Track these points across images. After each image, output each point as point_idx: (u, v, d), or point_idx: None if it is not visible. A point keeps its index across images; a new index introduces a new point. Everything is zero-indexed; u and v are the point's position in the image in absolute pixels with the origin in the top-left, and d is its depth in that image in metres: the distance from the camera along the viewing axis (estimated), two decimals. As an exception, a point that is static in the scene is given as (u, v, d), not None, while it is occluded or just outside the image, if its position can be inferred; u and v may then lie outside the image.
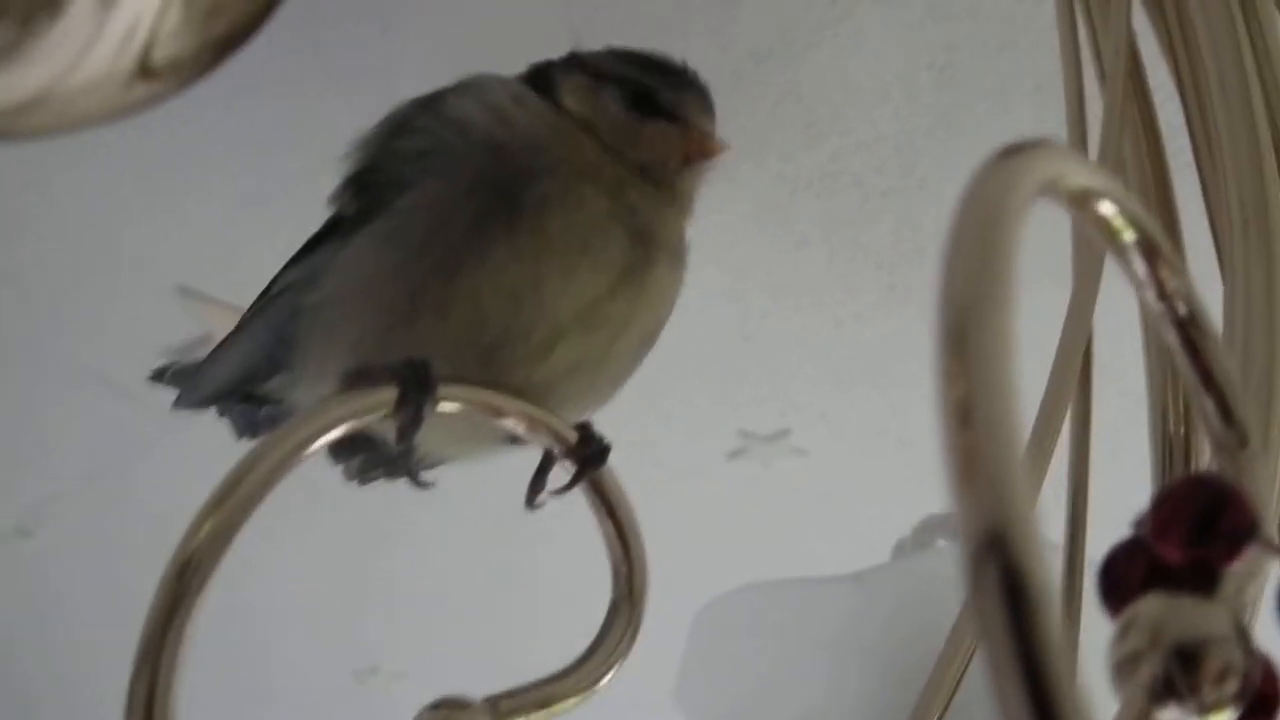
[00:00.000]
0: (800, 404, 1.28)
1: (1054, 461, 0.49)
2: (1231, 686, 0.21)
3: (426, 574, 1.57)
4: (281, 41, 0.96)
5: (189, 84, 0.29)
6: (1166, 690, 0.21)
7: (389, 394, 0.43)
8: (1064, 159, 0.22)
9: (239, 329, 0.56)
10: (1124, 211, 0.24)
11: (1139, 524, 0.23)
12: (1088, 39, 0.58)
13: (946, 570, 0.80)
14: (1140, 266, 0.24)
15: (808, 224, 1.08)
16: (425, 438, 0.46)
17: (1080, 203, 0.23)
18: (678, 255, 0.55)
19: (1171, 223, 0.53)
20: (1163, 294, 0.24)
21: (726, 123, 1.02)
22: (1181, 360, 0.25)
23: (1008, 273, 0.19)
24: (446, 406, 0.45)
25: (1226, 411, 0.24)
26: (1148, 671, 0.21)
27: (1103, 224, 0.24)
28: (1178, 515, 0.23)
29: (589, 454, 0.48)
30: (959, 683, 0.43)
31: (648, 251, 0.52)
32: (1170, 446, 0.48)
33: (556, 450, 0.48)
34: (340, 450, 0.52)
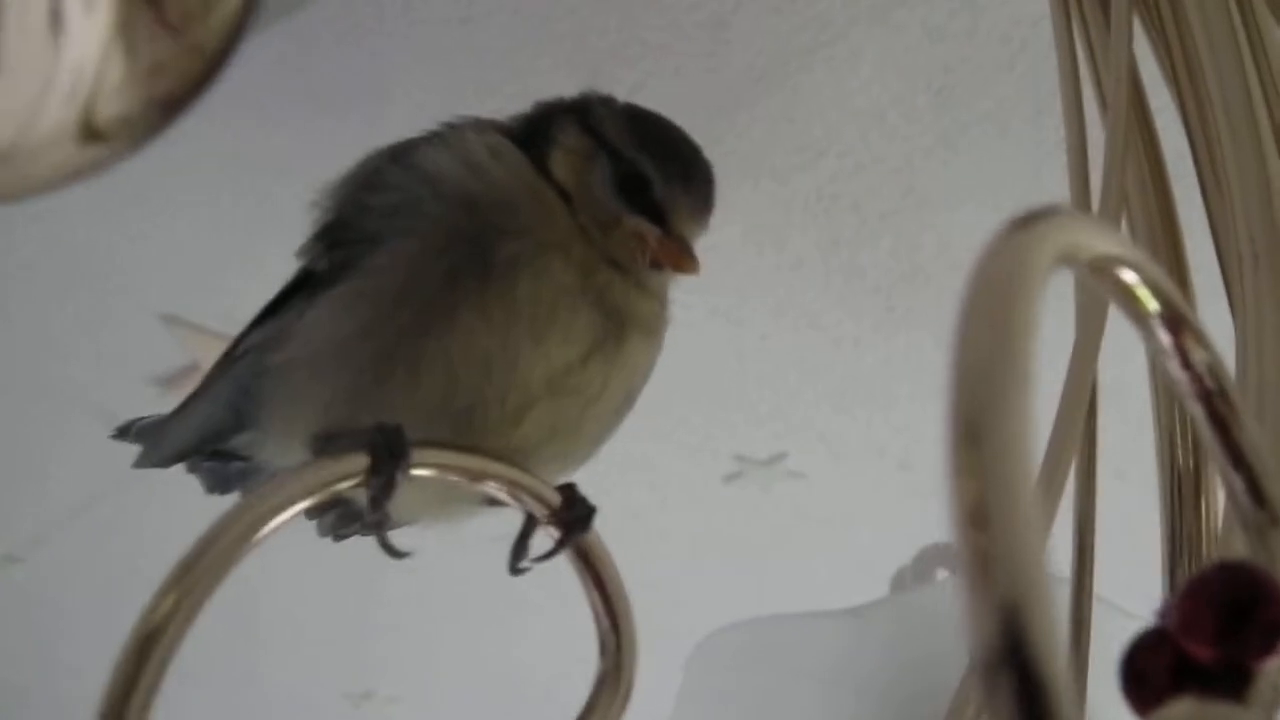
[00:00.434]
0: (798, 426, 1.27)
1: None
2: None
3: (423, 600, 1.56)
4: (269, 66, 0.95)
5: (141, 143, 0.28)
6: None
7: (360, 461, 0.41)
8: (1080, 227, 0.21)
9: (203, 388, 0.54)
10: (1147, 280, 0.22)
11: (1163, 614, 0.22)
12: (1087, 63, 0.56)
13: (943, 605, 0.79)
14: (1164, 337, 0.23)
15: (805, 246, 1.07)
16: (401, 502, 0.45)
17: (1101, 272, 0.21)
18: (652, 329, 0.52)
19: (1178, 255, 0.52)
20: (1187, 365, 0.23)
21: (723, 144, 1.01)
22: (1209, 436, 0.23)
23: (1025, 358, 0.18)
24: (421, 472, 0.43)
25: (1256, 490, 0.23)
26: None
27: (1125, 292, 0.22)
28: (1206, 609, 0.21)
29: (573, 518, 0.46)
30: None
31: (619, 328, 0.49)
32: (1179, 479, 0.46)
33: (539, 514, 0.46)
34: (312, 509, 0.51)
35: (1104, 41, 0.55)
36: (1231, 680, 0.21)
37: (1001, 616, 0.17)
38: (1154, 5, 0.54)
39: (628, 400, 0.51)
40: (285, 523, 0.37)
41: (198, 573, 0.35)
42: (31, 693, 1.78)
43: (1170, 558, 0.44)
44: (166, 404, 1.23)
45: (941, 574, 0.88)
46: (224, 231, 1.07)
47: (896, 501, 1.32)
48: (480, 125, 0.52)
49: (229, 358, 0.53)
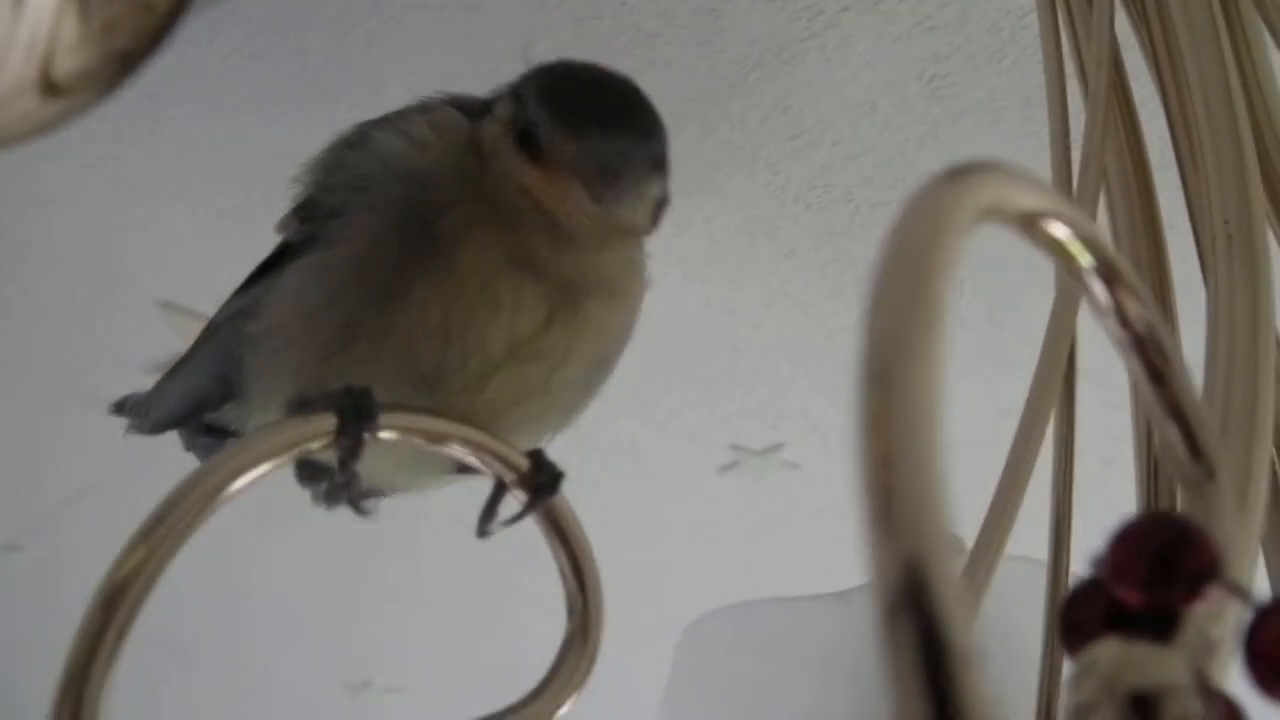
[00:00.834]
0: (792, 417, 1.27)
1: (1040, 476, 0.48)
2: (1188, 735, 0.20)
3: (421, 587, 1.56)
4: (265, 54, 0.95)
5: (101, 97, 0.29)
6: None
7: (329, 422, 0.42)
8: (1008, 180, 0.21)
9: (187, 357, 0.55)
10: (1079, 234, 0.22)
11: (1098, 563, 0.22)
12: (1071, 50, 0.57)
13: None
14: (1100, 291, 0.23)
15: (798, 235, 1.08)
16: (371, 466, 0.45)
17: (1030, 226, 0.22)
18: (614, 289, 0.50)
19: (1156, 237, 0.52)
20: (1124, 320, 0.23)
21: (717, 133, 1.02)
22: (1145, 389, 0.24)
23: (937, 307, 0.18)
24: (388, 435, 0.43)
25: (1193, 444, 0.23)
26: (1103, 720, 0.20)
27: (1056, 247, 0.22)
28: (1134, 556, 0.22)
29: (541, 482, 0.47)
30: None
31: (569, 294, 0.48)
32: (1155, 465, 0.47)
33: (508, 478, 0.46)
34: (304, 475, 0.51)
35: (1088, 26, 0.55)
36: (1159, 624, 0.21)
37: (904, 560, 0.17)
38: (1137, -8, 0.54)
39: (600, 365, 0.51)
40: (254, 481, 0.38)
41: (164, 529, 0.35)
42: (26, 682, 1.79)
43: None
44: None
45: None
46: (220, 219, 1.08)
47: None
48: (429, 104, 0.52)
49: (210, 327, 0.54)
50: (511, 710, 0.42)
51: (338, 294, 0.48)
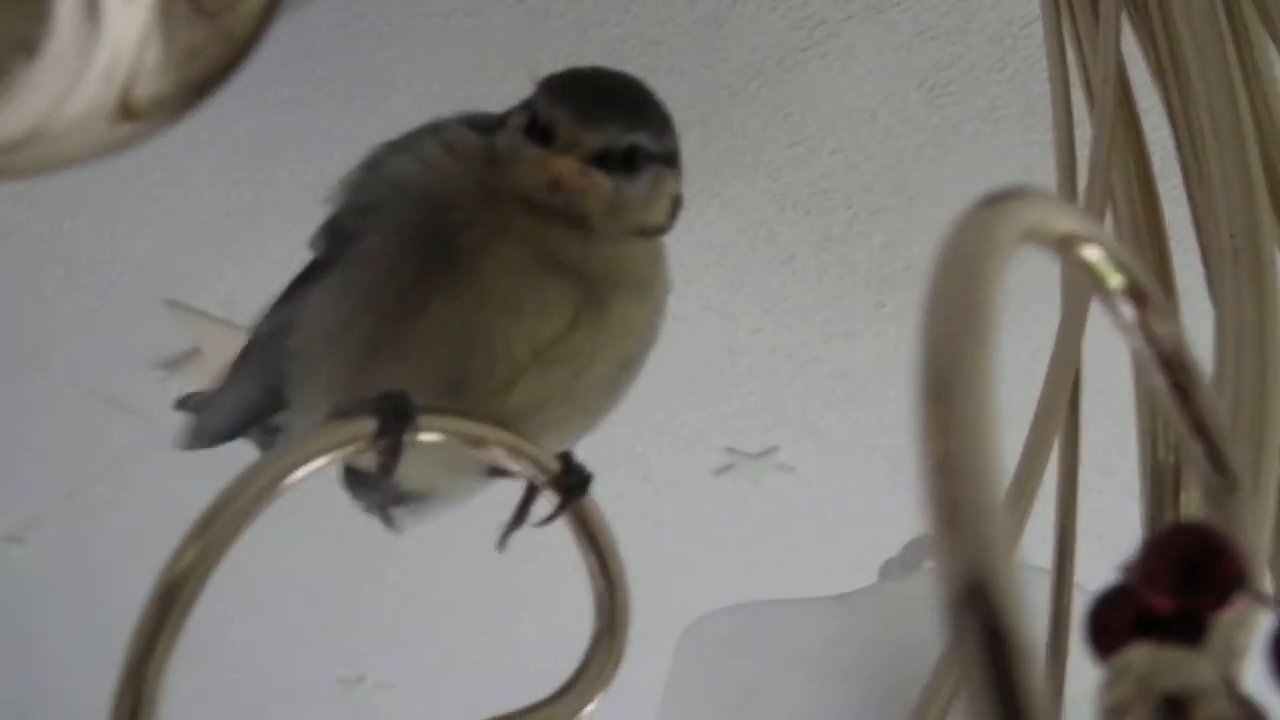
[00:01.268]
0: (788, 421, 1.28)
1: (1043, 485, 0.48)
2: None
3: (415, 584, 1.57)
4: (274, 54, 0.96)
5: (171, 122, 0.29)
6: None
7: (368, 425, 0.43)
8: (1046, 205, 0.22)
9: (233, 370, 0.56)
10: (1111, 256, 0.23)
11: (1127, 569, 0.23)
12: (1076, 62, 0.57)
13: (930, 593, 0.80)
14: (1127, 311, 0.24)
15: (797, 241, 1.08)
16: (409, 471, 0.46)
17: (1065, 248, 0.23)
18: (640, 284, 0.51)
19: (1162, 250, 0.53)
20: (1151, 339, 0.24)
21: (718, 140, 1.03)
22: (1170, 406, 0.25)
23: (989, 324, 0.19)
24: (426, 437, 0.44)
25: (1216, 458, 0.24)
26: (1135, 722, 0.21)
27: (1089, 269, 0.23)
28: (1166, 564, 0.23)
29: (571, 484, 0.47)
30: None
31: (596, 292, 0.49)
32: (1160, 474, 0.47)
33: (539, 480, 0.47)
34: (350, 481, 0.53)
35: (1093, 40, 0.56)
36: (1188, 630, 0.22)
37: (967, 560, 0.18)
38: (1142, 4, 0.55)
39: (625, 366, 0.52)
40: (299, 482, 0.39)
41: (216, 528, 0.36)
42: (23, 675, 1.79)
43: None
44: (169, 388, 1.25)
45: (929, 565, 0.89)
46: (227, 217, 1.08)
47: (885, 496, 1.33)
48: (441, 125, 0.53)
49: (251, 342, 0.55)
50: (539, 706, 0.43)
51: (357, 313, 0.49)
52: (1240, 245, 0.45)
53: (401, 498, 0.49)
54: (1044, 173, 0.99)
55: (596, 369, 0.50)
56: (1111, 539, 0.59)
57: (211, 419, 0.58)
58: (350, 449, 0.42)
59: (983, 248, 0.20)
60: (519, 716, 0.43)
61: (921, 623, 0.75)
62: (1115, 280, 0.24)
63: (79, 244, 1.12)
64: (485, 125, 0.52)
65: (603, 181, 0.49)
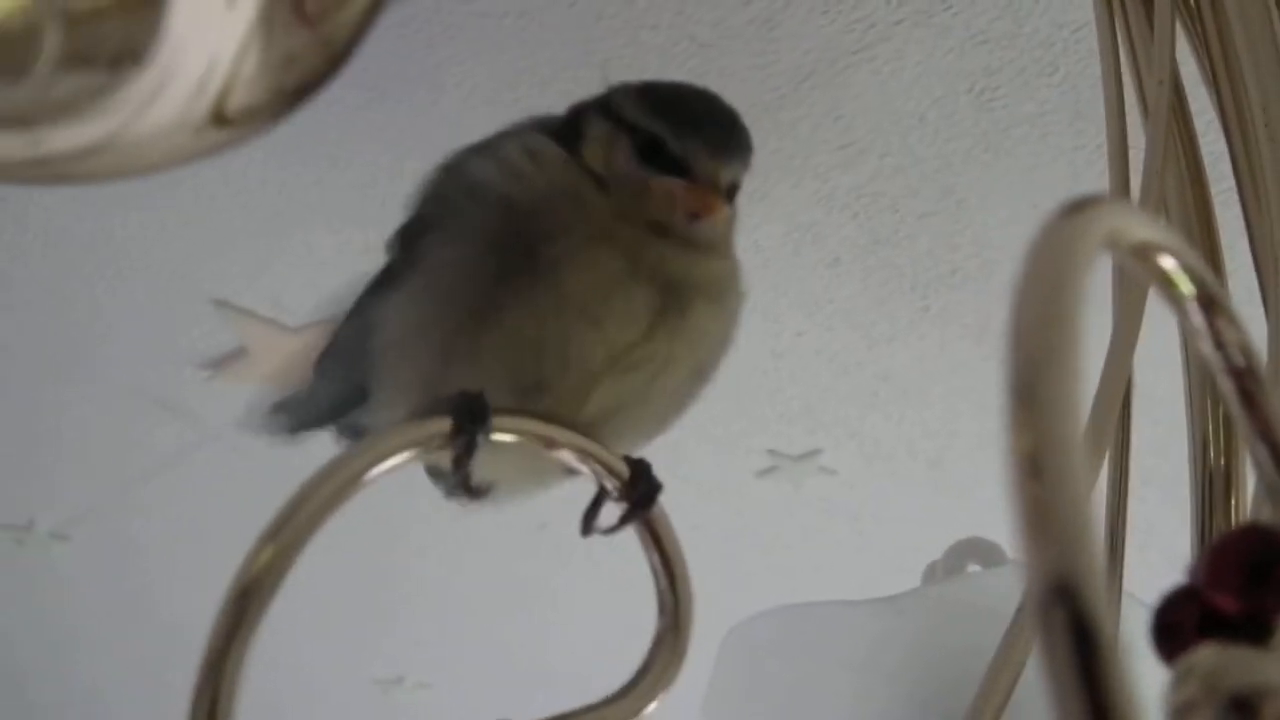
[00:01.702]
0: (831, 423, 1.28)
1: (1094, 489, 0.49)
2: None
3: (453, 585, 1.58)
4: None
5: (261, 130, 0.29)
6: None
7: (443, 425, 0.44)
8: (1125, 213, 0.23)
9: (318, 365, 0.58)
10: (1184, 265, 0.24)
11: (1192, 571, 0.24)
12: (1129, 68, 0.57)
13: (975, 597, 0.80)
14: (1198, 318, 0.25)
15: (843, 244, 1.09)
16: (483, 470, 0.47)
17: (1141, 256, 0.23)
18: (718, 294, 0.53)
19: (1215, 256, 0.53)
20: (1220, 344, 0.25)
21: (767, 144, 1.03)
22: (1237, 411, 0.25)
23: (1074, 327, 0.20)
24: (501, 437, 0.45)
25: (1280, 461, 0.25)
26: (1204, 720, 0.21)
27: (1163, 276, 0.24)
28: (1232, 565, 0.23)
29: (640, 495, 0.48)
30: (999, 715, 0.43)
31: (678, 299, 0.51)
32: (1210, 478, 0.47)
33: (610, 486, 0.48)
34: (433, 473, 0.54)
35: (1146, 45, 0.56)
36: (1254, 630, 0.23)
37: (1055, 558, 0.19)
38: (1196, 10, 0.55)
39: (698, 372, 0.53)
40: (377, 479, 0.39)
41: (292, 527, 0.37)
42: (52, 674, 1.81)
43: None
44: (215, 388, 1.26)
45: (973, 568, 0.89)
46: (276, 218, 1.09)
47: (927, 500, 1.34)
48: (521, 130, 0.54)
49: (334, 339, 0.57)
50: (602, 704, 0.43)
51: (436, 317, 0.51)
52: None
53: (479, 491, 0.50)
54: (1092, 177, 0.99)
55: (671, 376, 0.52)
56: (1151, 546, 0.60)
57: (296, 413, 0.59)
58: (425, 448, 0.43)
59: (1068, 254, 0.20)
60: (579, 715, 0.43)
61: (967, 626, 0.75)
62: (1187, 287, 0.24)
63: (128, 244, 1.13)
64: (555, 130, 0.54)
65: (724, 213, 0.52)
